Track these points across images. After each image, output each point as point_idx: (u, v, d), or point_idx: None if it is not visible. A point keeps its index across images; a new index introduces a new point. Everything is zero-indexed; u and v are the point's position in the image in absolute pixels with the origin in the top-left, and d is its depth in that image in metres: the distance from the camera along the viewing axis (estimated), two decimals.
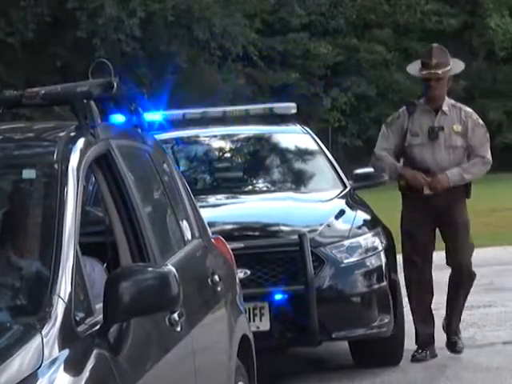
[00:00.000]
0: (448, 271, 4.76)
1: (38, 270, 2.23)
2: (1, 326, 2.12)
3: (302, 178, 5.12)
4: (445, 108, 4.73)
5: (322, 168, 5.01)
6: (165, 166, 3.04)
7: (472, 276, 4.73)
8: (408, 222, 4.69)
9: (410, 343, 4.78)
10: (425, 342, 4.66)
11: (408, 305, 4.74)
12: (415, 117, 4.72)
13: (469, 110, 4.79)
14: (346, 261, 4.38)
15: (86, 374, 2.11)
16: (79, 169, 2.40)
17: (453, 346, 4.69)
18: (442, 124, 4.70)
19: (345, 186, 4.91)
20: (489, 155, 4.75)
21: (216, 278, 3.00)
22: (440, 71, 4.65)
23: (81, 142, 2.49)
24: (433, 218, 4.67)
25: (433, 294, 4.69)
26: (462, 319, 4.79)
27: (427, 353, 4.63)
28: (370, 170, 5.00)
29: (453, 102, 4.78)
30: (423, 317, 4.66)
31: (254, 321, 4.18)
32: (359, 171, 5.08)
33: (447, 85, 4.72)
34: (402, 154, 4.76)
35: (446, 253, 4.73)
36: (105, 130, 2.65)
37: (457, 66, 4.81)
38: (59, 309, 2.16)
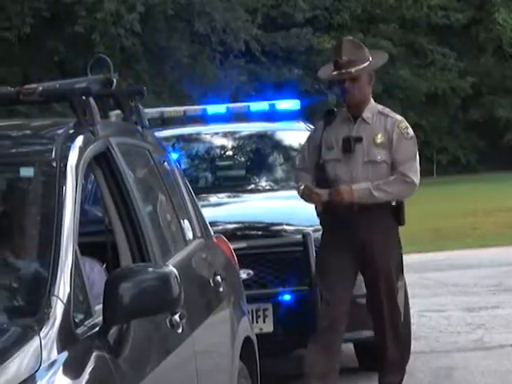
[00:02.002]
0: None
1: (36, 270, 2.20)
2: None
3: None
4: (366, 115, 3.80)
5: None
6: (165, 164, 3.00)
7: (403, 353, 3.74)
8: (323, 252, 3.79)
9: (416, 346, 4.74)
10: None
11: (415, 306, 4.69)
12: (332, 127, 3.82)
13: (398, 117, 3.85)
14: None
15: (86, 376, 2.08)
16: (78, 167, 2.36)
17: None
18: (360, 134, 3.78)
19: None
20: (412, 174, 3.75)
21: (218, 278, 2.96)
22: (353, 69, 3.73)
23: (80, 140, 2.44)
24: (354, 255, 3.70)
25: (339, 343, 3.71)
26: (469, 322, 4.70)
27: None
28: None
29: (380, 107, 3.86)
30: (319, 352, 3.65)
31: (257, 322, 4.12)
32: None
33: (369, 84, 3.81)
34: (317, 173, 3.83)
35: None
36: (104, 128, 2.60)
37: (378, 59, 3.91)
38: (58, 310, 2.12)
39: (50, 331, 2.07)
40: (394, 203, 3.81)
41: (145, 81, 15.57)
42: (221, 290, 2.95)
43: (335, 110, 3.94)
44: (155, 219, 2.74)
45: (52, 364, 2.03)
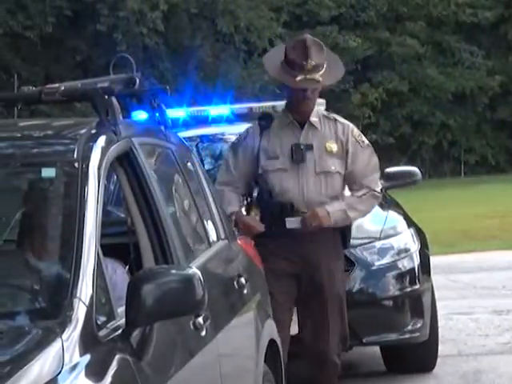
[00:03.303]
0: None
1: (57, 272, 2.18)
2: (20, 330, 2.07)
3: None
4: (314, 119, 3.36)
5: None
6: (189, 164, 2.97)
7: (336, 369, 3.35)
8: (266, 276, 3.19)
9: (444, 349, 4.68)
10: None
11: (443, 308, 4.64)
12: (272, 133, 3.36)
13: (347, 123, 3.43)
14: (377, 263, 4.24)
15: (108, 379, 2.05)
16: (100, 167, 2.33)
17: None
18: (310, 141, 3.34)
19: None
20: (378, 187, 3.43)
21: (242, 280, 2.92)
22: (318, 76, 3.27)
23: (102, 140, 2.42)
24: (293, 277, 3.30)
25: None
26: (498, 324, 4.65)
27: None
28: (401, 168, 4.80)
29: (324, 111, 3.47)
30: None
31: None
32: (390, 170, 4.90)
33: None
34: (258, 184, 3.37)
35: (301, 331, 3.31)
36: (127, 128, 2.58)
37: (335, 67, 3.40)
38: (80, 312, 2.10)
39: (72, 334, 2.05)
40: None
41: (168, 80, 15.59)
42: (245, 291, 2.92)
43: (272, 113, 3.52)
44: (178, 220, 2.71)
45: (74, 367, 2.01)
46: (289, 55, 3.35)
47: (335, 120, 3.44)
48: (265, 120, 3.43)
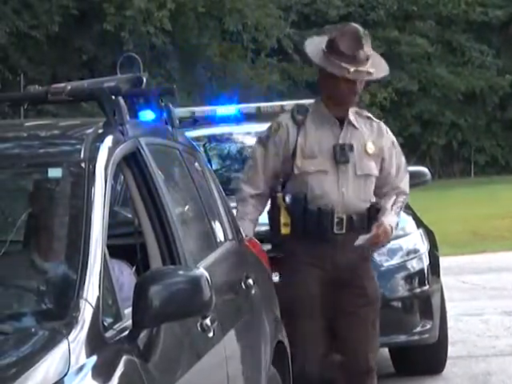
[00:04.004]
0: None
1: (64, 273, 2.17)
2: (26, 331, 2.06)
3: None
4: (352, 118, 3.10)
5: None
6: (196, 164, 2.96)
7: (373, 376, 3.11)
8: (290, 288, 3.05)
9: (453, 350, 4.66)
10: None
11: (452, 309, 4.61)
12: (308, 130, 3.07)
13: (380, 121, 3.21)
14: (386, 264, 4.22)
15: (115, 381, 2.04)
16: (107, 168, 2.32)
17: None
18: (350, 141, 3.09)
19: None
20: (408, 190, 3.22)
21: (250, 281, 2.90)
22: (368, 67, 3.03)
23: (109, 140, 2.41)
24: (329, 287, 3.06)
25: None
26: (508, 326, 4.62)
27: None
28: (411, 168, 4.75)
29: (355, 108, 3.16)
30: None
31: None
32: None
33: None
34: (289, 185, 3.08)
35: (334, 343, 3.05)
36: (134, 128, 2.57)
37: (379, 59, 3.14)
38: (86, 313, 2.09)
39: (79, 335, 2.04)
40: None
41: (175, 79, 15.56)
42: (252, 293, 2.90)
43: (307, 106, 3.13)
44: (185, 221, 2.70)
45: (80, 368, 2.00)
46: (339, 45, 3.04)
47: (369, 118, 3.18)
48: (300, 114, 3.10)
